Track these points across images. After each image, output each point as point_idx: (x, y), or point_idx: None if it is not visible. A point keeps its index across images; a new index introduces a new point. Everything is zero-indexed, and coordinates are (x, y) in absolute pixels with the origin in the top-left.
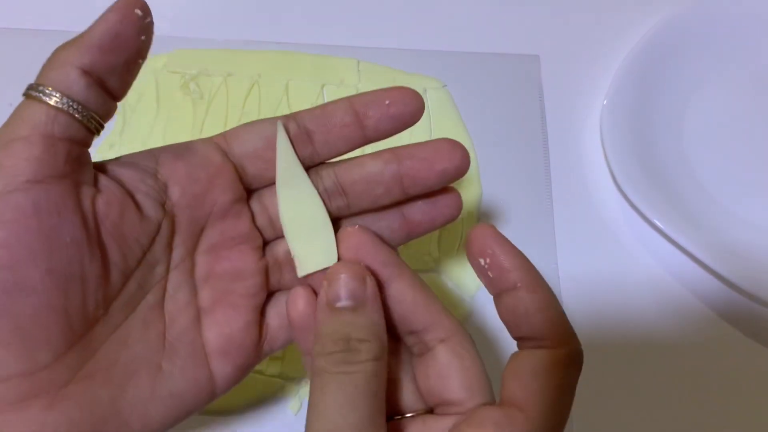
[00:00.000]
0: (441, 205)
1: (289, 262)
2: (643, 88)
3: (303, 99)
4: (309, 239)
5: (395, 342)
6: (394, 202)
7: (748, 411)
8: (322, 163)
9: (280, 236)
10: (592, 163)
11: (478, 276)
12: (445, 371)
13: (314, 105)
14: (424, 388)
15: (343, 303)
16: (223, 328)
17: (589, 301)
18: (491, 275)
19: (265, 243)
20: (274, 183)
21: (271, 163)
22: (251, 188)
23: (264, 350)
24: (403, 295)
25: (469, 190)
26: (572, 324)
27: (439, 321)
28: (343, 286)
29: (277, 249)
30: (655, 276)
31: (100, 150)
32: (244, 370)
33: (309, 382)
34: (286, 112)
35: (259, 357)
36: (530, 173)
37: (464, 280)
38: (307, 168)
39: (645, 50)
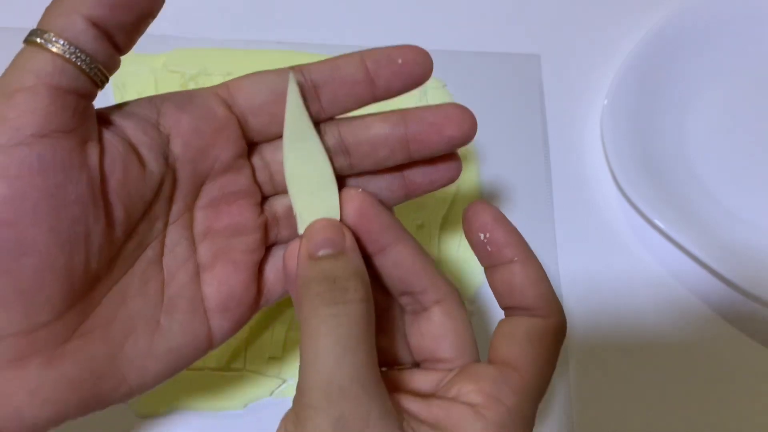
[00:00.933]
0: (442, 168)
1: (288, 217)
2: (644, 88)
3: None
4: (312, 197)
5: (389, 300)
6: (398, 163)
7: (747, 410)
8: (328, 119)
9: (280, 192)
10: (592, 162)
11: (474, 249)
12: (439, 331)
13: None
14: (416, 344)
15: (324, 252)
16: (223, 284)
17: (590, 301)
18: (489, 249)
19: (264, 198)
20: (276, 137)
21: (277, 117)
22: (253, 142)
23: (261, 304)
24: (403, 259)
25: (470, 189)
26: (572, 323)
27: (436, 284)
28: (323, 237)
29: (275, 204)
30: (655, 275)
31: None
32: (242, 323)
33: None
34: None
35: (256, 310)
36: (530, 173)
37: (464, 279)
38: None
39: (646, 50)
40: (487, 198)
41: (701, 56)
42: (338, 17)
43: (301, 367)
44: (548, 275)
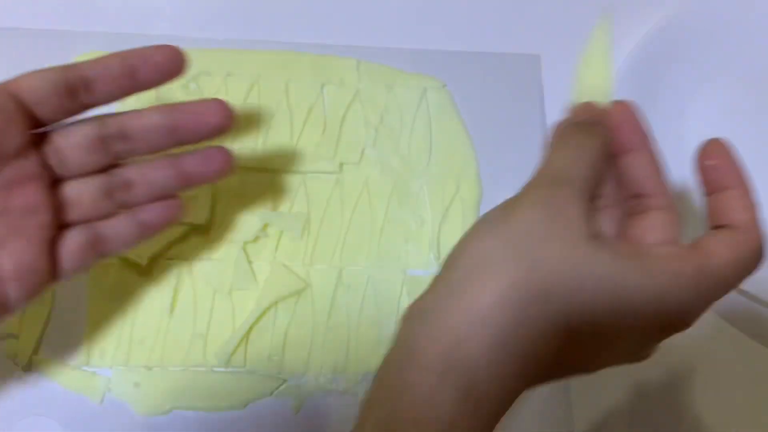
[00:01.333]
0: (212, 161)
1: (79, 198)
2: (641, 91)
3: (303, 99)
4: (590, 97)
5: (615, 197)
6: (171, 147)
7: (746, 410)
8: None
9: (72, 176)
10: None
11: (700, 174)
12: (652, 225)
13: (314, 105)
14: (629, 234)
15: (583, 119)
16: (16, 256)
17: None
18: (713, 175)
19: (57, 180)
20: (63, 124)
21: (60, 107)
22: (43, 126)
23: (56, 277)
24: (644, 163)
25: (469, 190)
26: None
27: (665, 193)
28: (585, 111)
29: (67, 188)
30: None
31: None
32: (36, 292)
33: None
34: (286, 112)
35: (53, 281)
36: (530, 173)
37: None
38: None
39: (643, 53)
40: (486, 198)
41: (700, 59)
42: (337, 18)
43: (542, 163)
44: None
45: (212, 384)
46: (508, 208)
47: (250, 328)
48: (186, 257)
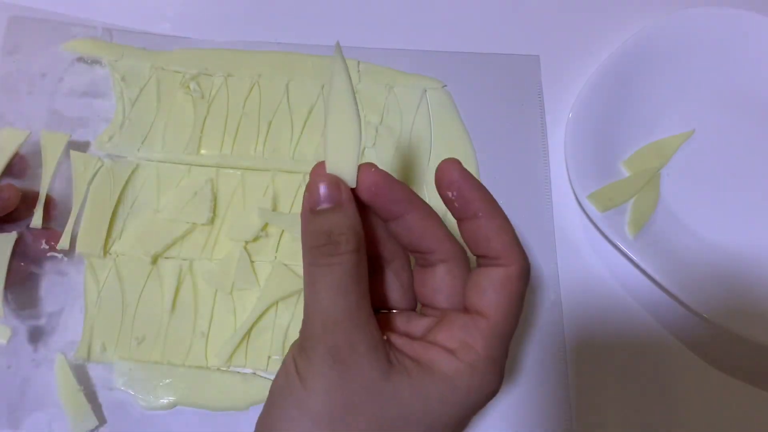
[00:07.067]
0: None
1: None
2: (610, 102)
3: (303, 99)
4: (340, 159)
5: (398, 251)
6: None
7: (745, 411)
8: None
9: None
10: None
11: (445, 204)
12: (439, 285)
13: (314, 105)
14: (420, 291)
15: (323, 206)
16: None
17: (589, 300)
18: (457, 205)
19: None
20: None
21: None
22: None
23: None
24: (413, 225)
25: None
26: (573, 324)
27: (442, 246)
28: (322, 192)
29: None
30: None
31: (99, 140)
32: None
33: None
34: (286, 112)
35: None
36: (530, 173)
37: None
38: None
39: (621, 59)
40: None
41: (672, 70)
42: (338, 18)
43: (304, 305)
44: (548, 274)
45: (214, 383)
46: (302, 371)
47: (251, 328)
48: (187, 256)
